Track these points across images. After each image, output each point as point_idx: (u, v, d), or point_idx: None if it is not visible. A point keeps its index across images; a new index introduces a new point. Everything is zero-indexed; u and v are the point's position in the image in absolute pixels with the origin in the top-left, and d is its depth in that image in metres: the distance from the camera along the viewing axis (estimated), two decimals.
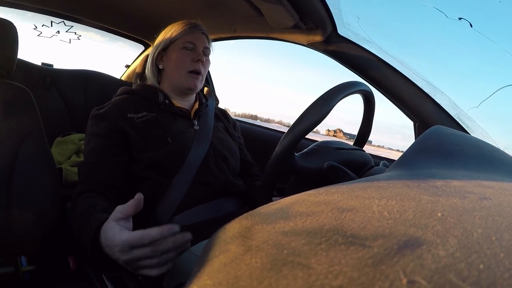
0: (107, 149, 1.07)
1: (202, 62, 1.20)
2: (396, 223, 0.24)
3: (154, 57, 1.26)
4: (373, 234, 0.22)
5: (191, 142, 1.14)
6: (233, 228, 0.34)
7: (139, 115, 1.12)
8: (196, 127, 1.20)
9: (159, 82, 1.28)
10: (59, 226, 1.14)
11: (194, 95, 1.32)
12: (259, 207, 0.38)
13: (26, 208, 1.07)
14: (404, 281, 0.17)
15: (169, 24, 1.27)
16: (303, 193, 0.40)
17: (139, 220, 1.04)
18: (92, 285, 1.00)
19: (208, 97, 1.39)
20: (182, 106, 1.24)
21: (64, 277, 1.10)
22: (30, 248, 1.08)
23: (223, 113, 1.46)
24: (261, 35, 1.68)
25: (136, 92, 1.21)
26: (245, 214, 0.37)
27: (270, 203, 0.39)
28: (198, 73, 1.20)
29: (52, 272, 1.14)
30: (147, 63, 1.29)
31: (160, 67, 1.26)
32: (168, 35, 1.23)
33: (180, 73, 1.20)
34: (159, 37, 1.27)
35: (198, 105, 1.30)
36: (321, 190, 0.40)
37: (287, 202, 0.37)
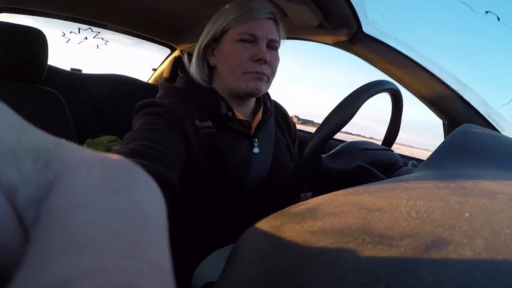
0: (164, 127, 0.78)
1: (266, 61, 0.89)
2: (423, 224, 0.24)
3: (201, 49, 0.95)
4: (401, 234, 0.23)
5: (249, 172, 0.92)
6: (262, 227, 0.35)
7: (204, 124, 0.88)
8: (256, 150, 0.95)
9: (209, 82, 0.98)
10: None
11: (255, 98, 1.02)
12: (288, 207, 0.39)
13: None
14: (431, 279, 0.17)
15: (194, 27, 1.20)
16: (331, 193, 0.40)
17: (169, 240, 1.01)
18: None
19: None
20: (243, 118, 0.97)
21: None
22: None
23: (283, 114, 1.15)
24: (286, 36, 1.68)
25: (190, 100, 0.91)
26: (274, 214, 0.38)
27: (299, 203, 0.40)
28: (260, 73, 0.90)
29: None
30: (193, 58, 0.99)
31: (211, 63, 0.96)
32: (220, 21, 0.91)
33: (235, 75, 0.90)
34: (210, 21, 0.96)
35: (262, 114, 1.01)
36: (349, 190, 0.40)
37: (315, 202, 0.37)
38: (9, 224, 0.11)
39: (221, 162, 0.88)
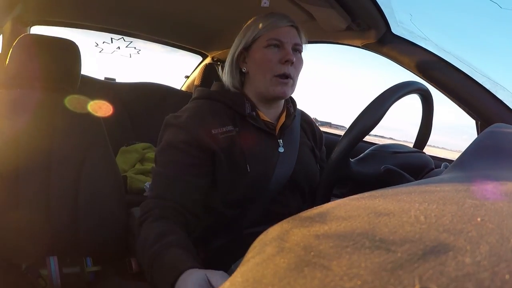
0: (188, 167, 0.92)
1: (292, 62, 0.97)
2: (429, 228, 0.23)
3: (235, 58, 1.05)
4: (402, 239, 0.22)
5: (273, 169, 0.98)
6: (274, 230, 0.35)
7: (223, 129, 0.96)
8: (281, 149, 1.02)
9: (240, 87, 1.07)
10: (123, 229, 1.21)
11: (282, 102, 1.11)
12: (302, 212, 0.39)
13: (93, 213, 1.15)
14: (417, 287, 0.16)
15: (224, 34, 1.24)
16: (348, 197, 0.40)
17: (201, 241, 1.01)
18: None
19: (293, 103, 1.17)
20: (268, 120, 1.05)
21: (127, 278, 1.16)
22: (96, 250, 1.16)
23: (309, 122, 1.22)
24: (314, 40, 1.67)
25: (220, 99, 1.02)
26: (288, 218, 0.37)
27: (313, 208, 0.39)
28: (287, 77, 0.98)
29: (115, 273, 1.21)
30: (225, 65, 1.07)
31: (243, 70, 1.05)
32: (250, 31, 1.02)
33: (265, 78, 0.99)
34: (239, 33, 1.06)
35: (286, 117, 1.08)
36: (366, 194, 0.39)
37: (329, 206, 0.37)
38: None
39: (241, 158, 0.96)
